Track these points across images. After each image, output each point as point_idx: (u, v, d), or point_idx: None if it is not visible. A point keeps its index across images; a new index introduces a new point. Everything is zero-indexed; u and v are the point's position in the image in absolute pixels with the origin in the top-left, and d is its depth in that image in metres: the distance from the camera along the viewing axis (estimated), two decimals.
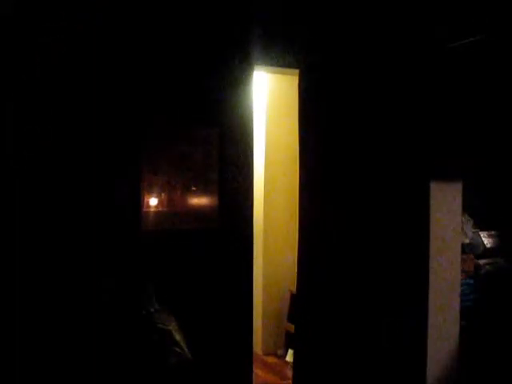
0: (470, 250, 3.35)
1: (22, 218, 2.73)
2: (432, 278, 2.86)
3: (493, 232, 3.53)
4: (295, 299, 4.26)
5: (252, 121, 3.41)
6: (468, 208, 3.17)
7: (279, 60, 3.55)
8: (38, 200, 2.78)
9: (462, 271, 3.09)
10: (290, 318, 4.79)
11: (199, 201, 3.27)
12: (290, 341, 4.72)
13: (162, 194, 3.13)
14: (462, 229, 3.14)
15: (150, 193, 3.10)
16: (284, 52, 3.53)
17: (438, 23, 2.90)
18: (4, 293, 2.66)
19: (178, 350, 2.63)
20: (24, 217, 2.74)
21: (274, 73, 4.31)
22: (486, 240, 3.48)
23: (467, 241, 3.32)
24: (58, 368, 2.70)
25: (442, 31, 2.90)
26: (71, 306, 2.79)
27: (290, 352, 4.70)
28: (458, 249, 3.02)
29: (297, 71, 3.63)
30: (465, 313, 3.06)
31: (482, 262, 3.39)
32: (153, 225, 3.10)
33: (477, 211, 3.40)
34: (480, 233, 3.48)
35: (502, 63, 2.96)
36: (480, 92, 3.03)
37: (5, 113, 2.68)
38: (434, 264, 2.86)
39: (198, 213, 3.26)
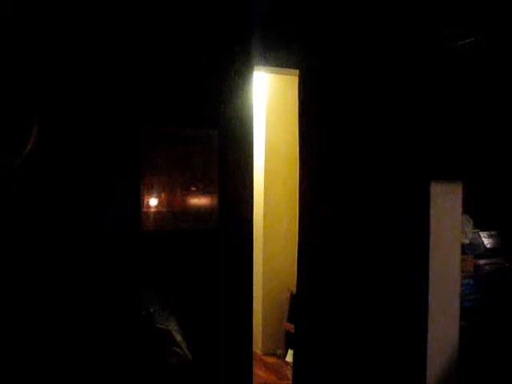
0: (470, 250, 3.35)
1: (21, 221, 2.73)
2: (432, 278, 2.86)
3: (493, 232, 3.53)
4: (295, 299, 4.26)
5: (252, 121, 3.41)
6: (468, 208, 3.17)
7: (279, 60, 3.55)
8: (37, 201, 2.78)
9: (462, 271, 3.09)
10: (290, 318, 4.79)
11: (199, 201, 3.27)
12: (289, 341, 4.72)
13: (162, 195, 3.13)
14: (462, 229, 3.14)
15: (150, 193, 3.10)
16: (284, 52, 3.53)
17: (440, 24, 2.90)
18: (2, 296, 2.66)
19: (178, 350, 2.63)
20: (23, 220, 2.74)
21: (274, 73, 4.31)
22: (486, 240, 3.48)
23: (467, 241, 3.33)
24: (58, 368, 2.70)
25: (443, 32, 2.90)
26: (71, 306, 2.79)
27: (290, 352, 4.70)
28: (458, 249, 3.03)
29: (297, 71, 3.63)
30: (465, 313, 3.06)
31: (481, 262, 3.39)
32: (153, 225, 3.10)
33: (477, 211, 3.40)
34: (480, 233, 3.48)
35: (503, 64, 2.97)
36: (480, 93, 3.03)
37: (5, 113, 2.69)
38: (434, 264, 2.87)
39: (198, 213, 3.25)
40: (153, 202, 3.10)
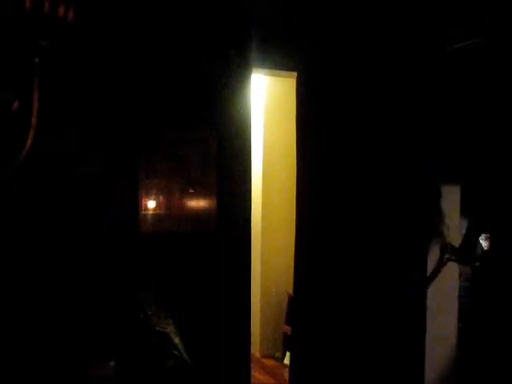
0: None
1: (20, 221, 2.73)
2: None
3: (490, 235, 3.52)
4: (293, 301, 4.26)
5: (250, 123, 3.41)
6: (466, 211, 3.17)
7: (277, 63, 3.56)
8: (37, 202, 2.77)
9: (460, 274, 3.09)
10: (288, 321, 4.79)
11: (197, 203, 3.27)
12: (288, 343, 4.72)
13: (160, 197, 3.13)
14: (460, 231, 3.14)
15: (148, 195, 3.10)
16: (282, 55, 3.53)
17: (438, 26, 2.91)
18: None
19: (176, 352, 2.63)
20: (22, 220, 2.73)
21: (272, 75, 4.32)
22: (484, 243, 3.48)
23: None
24: (54, 370, 2.70)
25: (441, 34, 2.90)
26: (69, 308, 2.79)
27: (288, 354, 4.70)
28: None
29: (294, 74, 3.63)
30: (462, 315, 3.06)
31: (479, 264, 3.39)
32: (151, 227, 3.10)
33: (475, 214, 3.39)
34: None
35: (501, 69, 2.97)
36: (478, 94, 3.03)
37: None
38: (432, 266, 2.87)
39: (196, 215, 3.25)
40: (151, 204, 3.10)
